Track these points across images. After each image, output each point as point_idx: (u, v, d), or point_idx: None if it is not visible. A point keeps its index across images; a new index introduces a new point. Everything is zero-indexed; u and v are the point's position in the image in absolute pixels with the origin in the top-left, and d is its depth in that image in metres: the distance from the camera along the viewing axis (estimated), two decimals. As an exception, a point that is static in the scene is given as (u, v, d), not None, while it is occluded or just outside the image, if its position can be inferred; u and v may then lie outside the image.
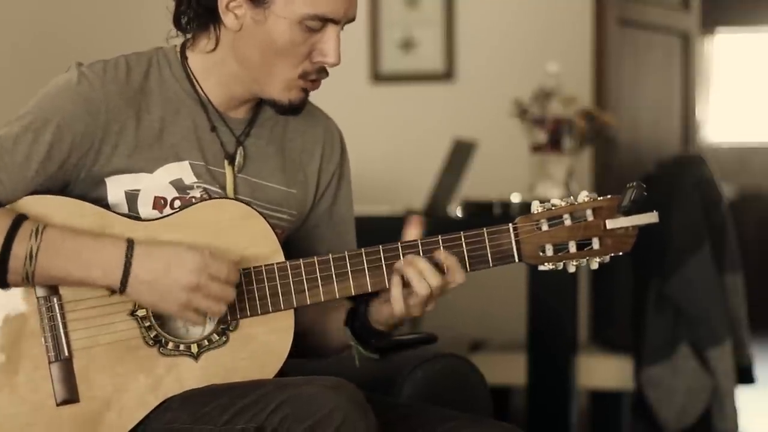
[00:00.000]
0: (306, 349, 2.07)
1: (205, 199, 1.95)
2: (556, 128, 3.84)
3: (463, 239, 1.93)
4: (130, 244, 1.86)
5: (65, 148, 1.91)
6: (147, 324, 1.91)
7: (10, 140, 1.89)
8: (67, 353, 1.89)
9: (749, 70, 8.46)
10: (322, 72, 1.99)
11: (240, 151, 2.02)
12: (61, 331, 1.89)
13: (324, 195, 2.11)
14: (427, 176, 4.07)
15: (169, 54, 2.02)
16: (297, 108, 2.00)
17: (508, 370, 3.92)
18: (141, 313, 1.91)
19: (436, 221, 3.65)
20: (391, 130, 5.04)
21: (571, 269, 1.95)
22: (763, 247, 7.82)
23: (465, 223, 3.51)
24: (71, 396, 1.89)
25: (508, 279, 3.72)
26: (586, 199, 1.93)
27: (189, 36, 2.02)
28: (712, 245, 3.72)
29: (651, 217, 1.92)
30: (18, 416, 1.88)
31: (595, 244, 1.93)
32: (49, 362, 1.88)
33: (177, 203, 1.95)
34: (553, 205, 1.93)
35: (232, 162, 2.00)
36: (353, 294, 1.93)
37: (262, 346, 1.93)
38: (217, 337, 1.92)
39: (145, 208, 1.94)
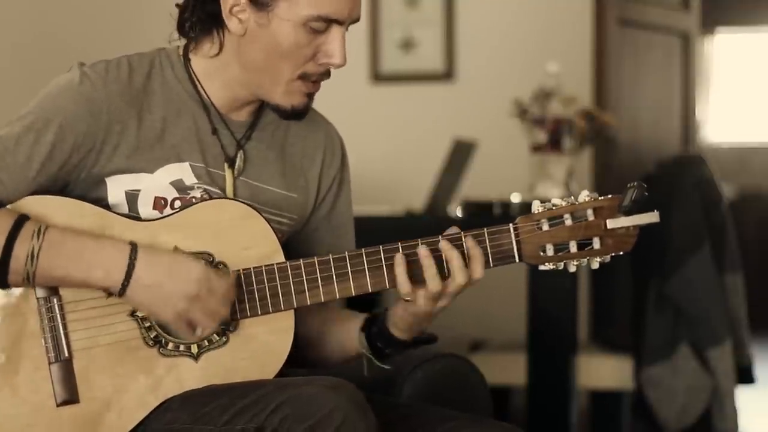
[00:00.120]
0: (309, 359, 2.07)
1: (206, 200, 1.95)
2: (556, 128, 3.84)
3: (463, 239, 1.92)
4: (134, 246, 1.86)
5: (67, 149, 1.90)
6: (147, 324, 1.91)
7: (11, 140, 1.89)
8: (67, 354, 1.89)
9: (749, 70, 8.46)
10: (325, 74, 1.98)
11: (240, 154, 2.01)
12: (61, 331, 1.89)
13: (324, 199, 2.11)
14: (427, 176, 4.07)
15: (172, 55, 2.02)
16: (300, 113, 2.00)
17: (508, 370, 3.92)
18: (141, 313, 1.90)
19: (437, 221, 3.65)
20: (391, 130, 5.04)
21: (572, 269, 1.94)
22: (763, 247, 7.82)
23: (465, 223, 3.50)
24: (71, 397, 1.89)
25: (508, 279, 3.72)
26: (587, 199, 1.93)
27: (192, 37, 2.01)
28: (712, 245, 3.72)
29: (652, 217, 1.92)
30: (18, 417, 1.88)
31: (596, 243, 1.93)
32: (49, 363, 1.88)
33: (177, 203, 1.95)
34: (553, 205, 1.93)
35: (232, 165, 2.00)
36: (353, 294, 1.93)
37: (262, 346, 1.93)
38: (217, 338, 1.92)
39: (145, 208, 1.94)
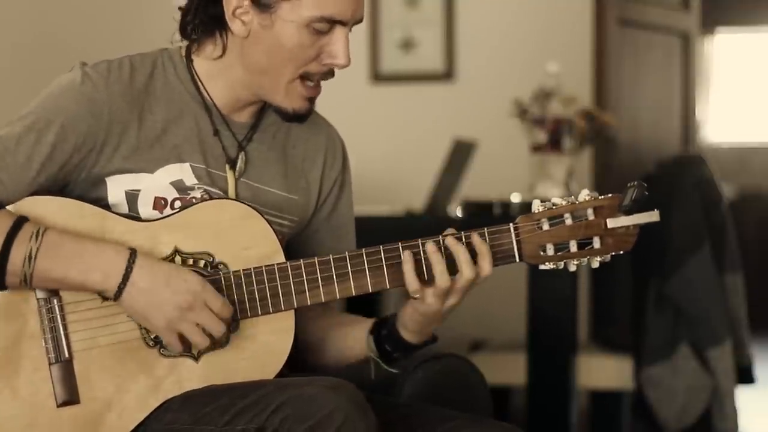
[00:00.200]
0: (310, 364, 2.07)
1: (206, 200, 1.95)
2: (556, 128, 3.84)
3: (463, 239, 1.92)
4: (133, 252, 1.86)
5: (67, 149, 1.90)
6: (147, 325, 1.91)
7: (12, 140, 1.89)
8: (67, 354, 1.89)
9: (749, 70, 8.46)
10: (329, 73, 1.98)
11: (242, 155, 2.01)
12: (62, 332, 1.89)
13: (326, 201, 2.11)
14: (427, 176, 4.08)
15: (174, 56, 2.02)
16: (302, 116, 2.00)
17: (508, 370, 3.92)
18: (133, 317, 1.90)
19: (436, 221, 3.65)
20: (391, 130, 5.04)
21: (572, 268, 1.94)
22: (763, 247, 7.82)
23: (465, 223, 3.51)
24: (72, 397, 1.89)
25: (508, 279, 3.72)
26: (587, 198, 1.92)
27: (195, 39, 2.01)
28: (712, 245, 3.72)
29: (652, 216, 1.92)
30: (18, 417, 1.88)
31: (596, 243, 1.93)
32: (50, 363, 1.88)
33: (177, 204, 1.95)
34: (553, 205, 1.93)
35: (233, 166, 2.00)
36: (354, 294, 1.93)
37: (263, 346, 1.93)
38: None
39: (145, 208, 1.94)
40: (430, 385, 2.22)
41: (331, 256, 1.92)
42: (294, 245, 2.07)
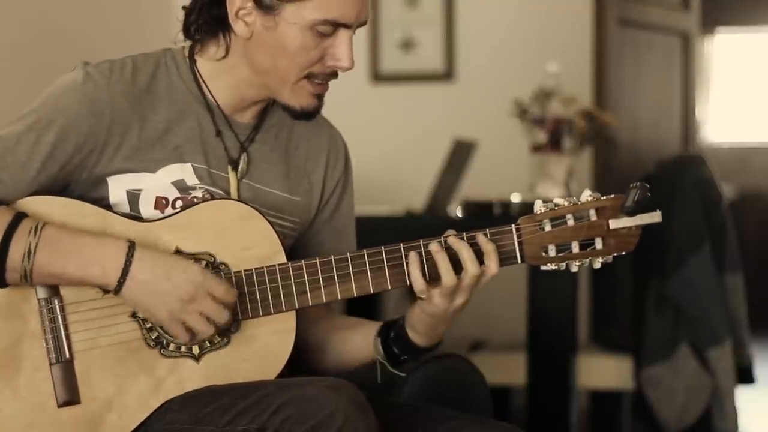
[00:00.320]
0: (311, 366, 2.07)
1: (207, 200, 1.95)
2: (556, 128, 3.84)
3: (465, 240, 1.92)
4: (132, 245, 1.85)
5: (68, 149, 1.90)
6: (148, 325, 1.90)
7: (12, 140, 1.89)
8: (68, 355, 1.89)
9: (749, 70, 8.46)
10: (332, 75, 1.98)
11: (244, 156, 2.01)
12: (62, 332, 1.89)
13: (327, 203, 2.10)
14: (427, 176, 4.08)
15: (177, 56, 2.02)
16: (310, 114, 1.99)
17: (508, 370, 3.92)
18: (135, 310, 1.90)
19: (436, 221, 3.65)
20: (391, 130, 5.04)
21: (574, 269, 1.94)
22: (763, 247, 7.82)
23: (465, 223, 3.51)
24: (72, 397, 1.89)
25: (508, 279, 3.72)
26: (590, 199, 1.92)
27: (198, 39, 2.01)
28: (712, 245, 3.72)
29: (654, 217, 1.92)
30: (19, 418, 1.88)
31: (598, 244, 1.92)
32: (50, 364, 1.88)
33: (179, 203, 1.94)
34: (556, 205, 1.92)
35: (235, 167, 2.00)
36: (355, 295, 1.93)
37: (264, 347, 1.93)
38: (219, 339, 1.92)
39: (146, 208, 1.94)
40: (430, 385, 2.22)
41: (332, 256, 1.92)
42: (295, 246, 2.06)
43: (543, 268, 1.93)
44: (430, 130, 4.96)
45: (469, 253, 1.89)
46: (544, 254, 1.92)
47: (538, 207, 1.93)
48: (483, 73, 4.97)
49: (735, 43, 8.49)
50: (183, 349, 1.91)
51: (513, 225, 1.92)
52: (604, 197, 1.92)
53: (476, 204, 3.61)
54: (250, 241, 1.92)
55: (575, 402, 3.63)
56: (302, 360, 2.04)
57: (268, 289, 1.91)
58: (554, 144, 3.83)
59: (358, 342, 2.04)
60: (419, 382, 2.22)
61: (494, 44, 4.98)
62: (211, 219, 1.92)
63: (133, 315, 1.90)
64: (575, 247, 1.92)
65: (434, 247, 1.90)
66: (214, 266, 1.91)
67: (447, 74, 5.00)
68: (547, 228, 1.92)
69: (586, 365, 3.87)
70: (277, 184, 2.04)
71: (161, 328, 1.91)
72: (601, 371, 3.93)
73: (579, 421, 3.85)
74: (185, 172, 1.96)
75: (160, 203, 1.94)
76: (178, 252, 1.90)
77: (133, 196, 1.93)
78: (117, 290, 1.85)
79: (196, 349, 1.92)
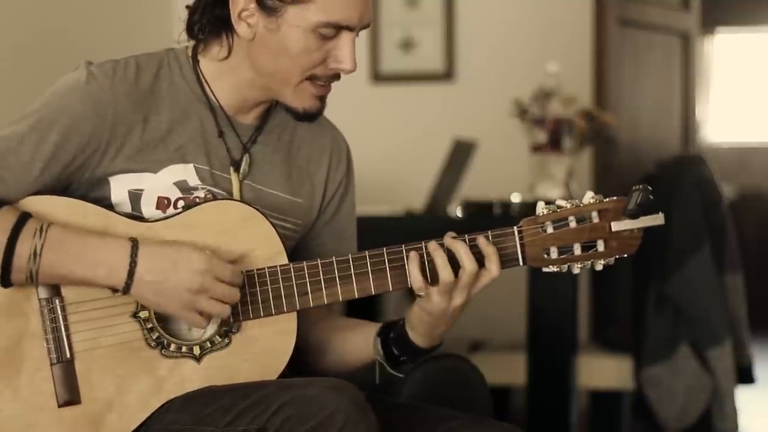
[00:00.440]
0: (311, 367, 2.07)
1: (209, 200, 1.95)
2: (556, 128, 3.84)
3: (467, 242, 1.92)
4: (135, 243, 1.85)
5: (71, 149, 1.90)
6: (149, 326, 1.91)
7: (16, 140, 1.89)
8: (69, 355, 1.89)
9: (749, 70, 8.46)
10: (334, 77, 1.98)
11: (246, 158, 2.01)
12: (63, 332, 1.89)
13: (329, 204, 2.10)
14: (427, 176, 4.08)
15: (180, 56, 2.01)
16: (312, 115, 1.99)
17: (508, 370, 3.92)
18: (143, 314, 1.90)
19: (436, 221, 3.65)
20: (391, 130, 5.04)
21: (576, 271, 1.94)
22: (763, 247, 7.82)
23: (465, 222, 3.51)
24: (73, 397, 1.89)
25: (508, 279, 3.72)
26: (592, 201, 1.92)
27: (201, 39, 2.01)
28: (712, 245, 3.72)
29: (657, 219, 1.91)
30: (19, 417, 1.88)
31: (600, 246, 1.92)
32: (51, 364, 1.88)
33: (180, 203, 1.94)
34: (558, 207, 1.92)
35: (237, 168, 2.00)
36: (356, 296, 1.92)
37: (265, 348, 1.93)
38: (220, 339, 1.92)
39: (148, 208, 1.93)
40: (429, 385, 2.22)
41: (333, 258, 1.92)
42: (296, 247, 2.06)
43: (545, 269, 1.93)
44: (430, 130, 4.96)
45: (467, 250, 1.89)
46: (545, 256, 1.92)
47: (540, 209, 1.92)
48: (483, 73, 4.97)
49: (735, 43, 8.49)
50: (184, 349, 1.91)
51: (515, 227, 1.92)
52: (607, 199, 1.92)
53: (476, 204, 3.61)
54: (252, 241, 1.92)
55: (575, 402, 3.63)
56: (303, 361, 2.04)
57: (270, 290, 1.91)
58: (554, 144, 3.83)
59: (358, 342, 2.04)
60: (419, 382, 2.22)
61: (494, 44, 4.98)
62: (214, 219, 1.92)
63: (134, 315, 1.91)
64: (577, 249, 1.92)
65: (432, 245, 1.91)
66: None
67: (447, 74, 5.00)
68: (549, 230, 1.92)
69: (586, 365, 3.87)
70: (279, 186, 2.03)
71: (165, 330, 1.91)
72: (601, 371, 3.93)
73: (579, 421, 3.85)
74: (187, 172, 1.96)
75: (162, 203, 1.94)
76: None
77: (135, 196, 1.93)
78: (125, 290, 1.85)
79: (197, 350, 1.92)
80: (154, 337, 1.91)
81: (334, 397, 1.78)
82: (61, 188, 1.92)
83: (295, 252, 2.05)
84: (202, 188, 1.96)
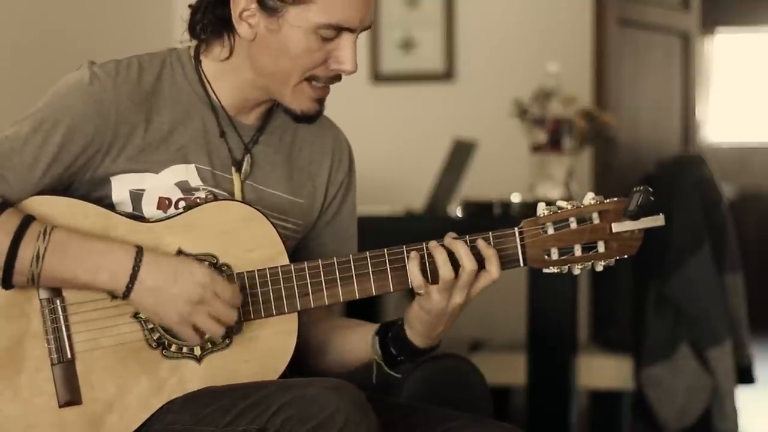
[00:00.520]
0: (311, 367, 2.06)
1: (210, 200, 1.95)
2: (556, 128, 3.84)
3: (468, 243, 1.92)
4: (140, 250, 1.86)
5: (74, 150, 1.90)
6: (150, 326, 1.90)
7: (19, 140, 1.89)
8: (70, 355, 1.89)
9: (749, 70, 8.46)
10: (335, 78, 1.98)
11: (247, 158, 2.01)
12: (64, 333, 1.89)
13: (330, 205, 2.10)
14: (427, 176, 4.08)
15: (183, 56, 2.01)
16: (310, 117, 1.99)
17: (508, 370, 3.92)
18: (145, 316, 1.90)
19: (436, 221, 3.65)
20: (391, 130, 5.04)
21: (576, 272, 1.94)
22: (763, 247, 7.82)
23: (465, 223, 3.51)
24: (73, 398, 1.89)
25: (508, 279, 3.72)
26: (593, 202, 1.92)
27: (203, 39, 2.01)
28: (712, 245, 3.72)
29: (657, 221, 1.91)
30: (20, 418, 1.88)
31: (601, 247, 1.92)
32: (52, 364, 1.88)
33: (181, 204, 1.94)
34: (558, 208, 1.92)
35: (239, 169, 2.00)
36: (357, 297, 1.92)
37: (266, 348, 1.93)
38: (221, 340, 1.92)
39: (149, 208, 1.93)
40: (429, 385, 2.22)
41: (335, 258, 1.92)
42: (297, 248, 2.06)
43: (545, 270, 1.93)
44: (430, 130, 4.96)
45: (466, 250, 1.89)
46: (546, 257, 1.92)
47: (541, 210, 1.92)
48: (483, 73, 4.97)
49: (735, 43, 8.49)
50: (185, 350, 1.91)
51: (516, 228, 1.92)
52: (607, 200, 1.92)
53: (476, 204, 3.61)
54: (253, 242, 1.92)
55: (575, 402, 3.63)
56: (302, 361, 2.04)
57: (271, 290, 1.91)
58: (554, 144, 3.83)
59: (357, 342, 2.04)
60: (419, 382, 2.22)
61: (494, 44, 4.98)
62: (214, 220, 1.92)
63: (135, 316, 1.90)
64: (578, 251, 1.92)
65: (432, 244, 1.91)
66: (216, 267, 1.91)
67: (447, 74, 5.00)
68: (550, 231, 1.92)
69: (586, 365, 3.87)
70: (280, 186, 2.03)
71: (165, 330, 1.91)
72: (601, 371, 3.93)
73: (579, 421, 3.85)
74: (189, 173, 1.96)
75: (163, 203, 1.94)
76: (180, 253, 1.90)
77: (136, 196, 1.93)
78: (126, 295, 1.85)
79: (197, 350, 1.92)
80: (155, 338, 1.91)
81: (335, 398, 1.78)
82: (63, 188, 1.92)
83: (296, 252, 2.05)
84: (203, 189, 1.96)
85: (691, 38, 5.46)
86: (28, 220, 1.84)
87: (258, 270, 1.91)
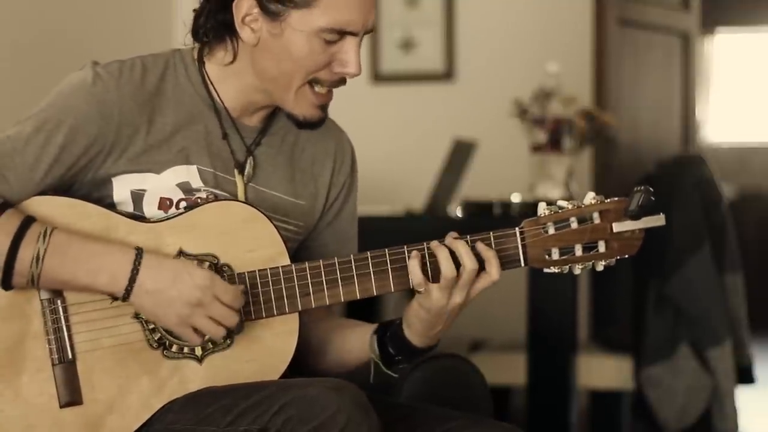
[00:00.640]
0: (310, 367, 2.06)
1: (211, 201, 1.95)
2: (556, 128, 3.84)
3: (468, 243, 1.92)
4: (139, 252, 1.86)
5: (76, 151, 1.90)
6: (151, 326, 1.90)
7: (21, 141, 1.89)
8: (70, 355, 1.89)
9: (749, 70, 8.46)
10: (340, 82, 1.98)
11: (250, 160, 2.01)
12: (65, 333, 1.89)
13: (332, 206, 2.10)
14: (427, 176, 4.08)
15: (186, 57, 2.01)
16: (313, 123, 1.99)
17: (508, 370, 3.93)
18: (145, 316, 1.90)
19: (436, 221, 3.65)
20: (391, 130, 5.04)
21: (577, 272, 1.94)
22: (763, 247, 7.83)
23: (465, 223, 3.51)
24: (74, 398, 1.89)
25: (508, 279, 3.72)
26: (593, 202, 1.92)
27: (206, 42, 2.00)
28: (712, 245, 3.72)
29: (658, 220, 1.91)
30: (21, 418, 1.88)
31: (601, 247, 1.92)
32: (53, 364, 1.88)
33: (182, 204, 1.94)
34: (559, 208, 1.92)
35: (241, 171, 2.00)
36: (358, 297, 1.92)
37: (267, 348, 1.93)
38: (222, 340, 1.92)
39: (150, 208, 1.93)
40: (429, 385, 2.22)
41: (336, 259, 1.92)
42: (298, 248, 2.06)
43: (546, 270, 1.93)
44: (430, 130, 4.96)
45: (467, 250, 1.89)
46: (547, 257, 1.92)
47: (542, 210, 1.92)
48: (483, 73, 4.97)
49: (735, 43, 8.49)
50: (185, 350, 1.91)
51: (517, 228, 1.92)
52: (608, 200, 1.92)
53: (476, 204, 3.62)
54: (253, 243, 1.92)
55: (575, 402, 3.63)
56: (303, 361, 2.04)
57: (272, 291, 1.91)
58: (554, 144, 3.83)
59: (357, 342, 2.04)
60: (419, 381, 2.22)
61: (494, 44, 4.98)
62: (215, 220, 1.92)
63: (136, 316, 1.90)
64: (578, 250, 1.92)
65: (434, 243, 1.91)
66: (217, 268, 1.91)
67: (447, 74, 5.00)
68: (551, 231, 1.92)
69: (586, 365, 3.87)
70: (282, 188, 2.03)
71: (167, 331, 1.91)
72: (601, 371, 3.93)
73: (579, 421, 3.85)
74: (191, 174, 1.95)
75: (164, 204, 1.94)
76: (181, 253, 1.90)
77: (138, 196, 1.93)
78: (125, 297, 1.85)
79: (198, 351, 1.92)
80: (155, 338, 1.91)
81: (336, 398, 1.78)
82: (64, 188, 1.92)
83: (297, 253, 2.05)
84: (205, 190, 1.96)
85: (691, 38, 5.46)
86: (28, 221, 1.84)
87: (259, 270, 1.91)
